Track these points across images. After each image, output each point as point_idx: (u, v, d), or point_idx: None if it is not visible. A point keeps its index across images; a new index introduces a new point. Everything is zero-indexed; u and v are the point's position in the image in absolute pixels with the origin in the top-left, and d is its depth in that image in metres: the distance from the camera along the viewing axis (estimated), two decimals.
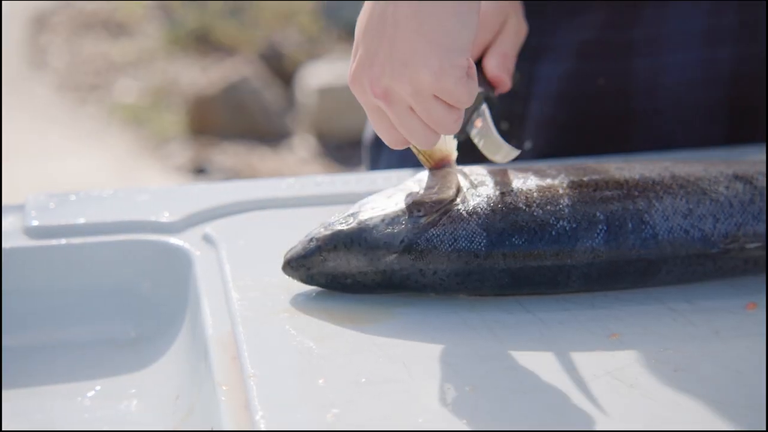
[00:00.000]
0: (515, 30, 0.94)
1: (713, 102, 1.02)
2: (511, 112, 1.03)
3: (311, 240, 0.78)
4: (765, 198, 0.81)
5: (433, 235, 0.77)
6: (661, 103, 1.01)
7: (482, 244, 0.76)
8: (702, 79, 1.01)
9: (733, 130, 1.03)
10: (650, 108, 1.01)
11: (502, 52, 0.92)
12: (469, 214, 0.77)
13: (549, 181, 0.79)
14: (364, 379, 0.69)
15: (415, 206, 0.78)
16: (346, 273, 0.77)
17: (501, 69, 0.91)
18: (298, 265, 0.78)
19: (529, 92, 1.02)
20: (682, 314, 0.77)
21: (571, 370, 0.70)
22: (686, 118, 1.02)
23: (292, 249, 0.79)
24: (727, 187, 0.80)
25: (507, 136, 0.95)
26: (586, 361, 0.71)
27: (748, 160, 0.85)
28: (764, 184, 0.81)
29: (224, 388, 0.70)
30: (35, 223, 0.89)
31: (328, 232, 0.78)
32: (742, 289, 0.80)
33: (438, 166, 0.82)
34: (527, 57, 0.99)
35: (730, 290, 0.80)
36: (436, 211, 0.77)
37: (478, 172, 0.81)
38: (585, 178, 0.80)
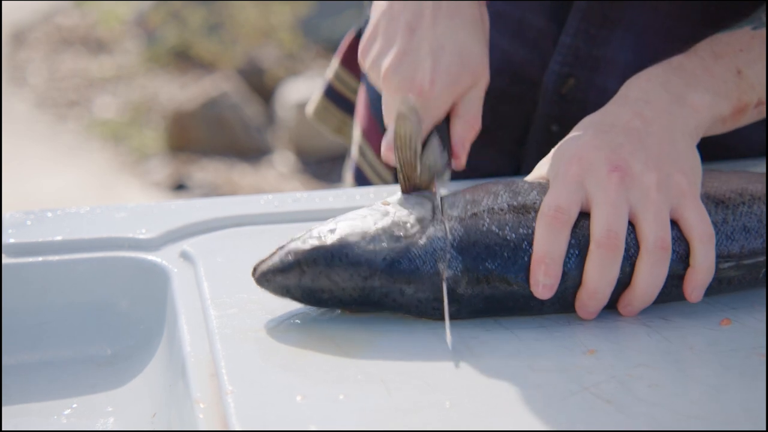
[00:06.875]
0: (485, 88, 0.93)
1: None
2: (563, 116, 1.03)
3: (289, 252, 0.77)
4: (737, 219, 0.81)
5: (415, 255, 0.77)
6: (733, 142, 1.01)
7: (458, 268, 0.76)
8: None
9: None
10: (722, 144, 0.99)
11: (469, 120, 0.91)
12: (445, 236, 0.77)
13: (521, 200, 0.79)
14: (342, 396, 0.69)
15: (395, 226, 0.78)
16: (323, 288, 0.77)
17: (464, 140, 0.91)
18: (274, 277, 0.77)
19: (586, 98, 1.02)
20: (657, 330, 0.77)
21: (548, 386, 0.70)
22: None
23: (266, 260, 0.78)
24: None
25: (557, 137, 0.94)
26: (562, 377, 0.71)
27: (722, 176, 0.86)
28: (737, 204, 0.81)
29: (202, 405, 0.70)
30: (12, 240, 0.89)
31: (307, 246, 0.77)
32: (717, 305, 0.81)
33: (412, 191, 0.82)
34: (587, 66, 1.00)
35: (704, 306, 0.80)
36: (416, 232, 0.77)
37: (450, 195, 0.81)
38: None
